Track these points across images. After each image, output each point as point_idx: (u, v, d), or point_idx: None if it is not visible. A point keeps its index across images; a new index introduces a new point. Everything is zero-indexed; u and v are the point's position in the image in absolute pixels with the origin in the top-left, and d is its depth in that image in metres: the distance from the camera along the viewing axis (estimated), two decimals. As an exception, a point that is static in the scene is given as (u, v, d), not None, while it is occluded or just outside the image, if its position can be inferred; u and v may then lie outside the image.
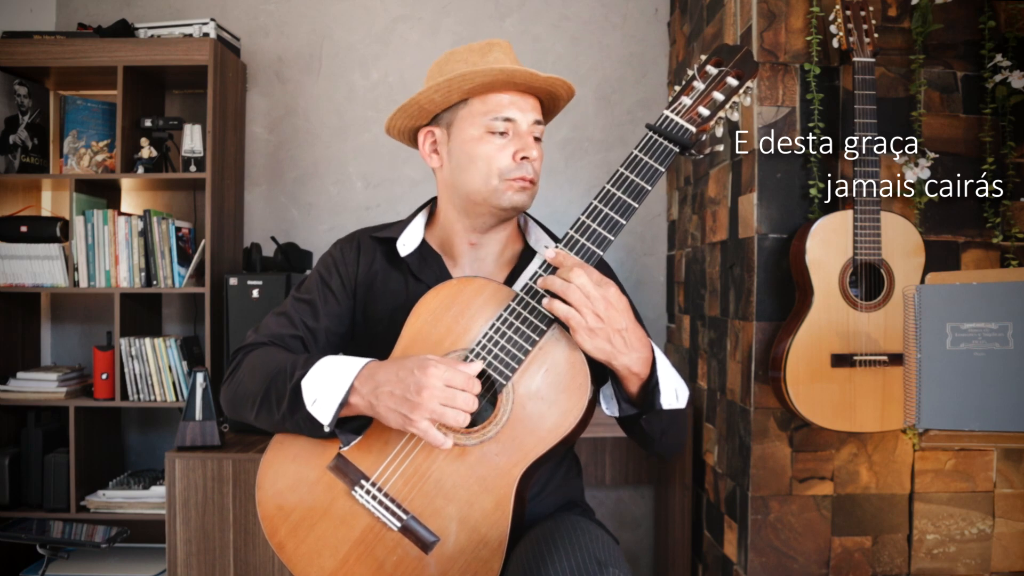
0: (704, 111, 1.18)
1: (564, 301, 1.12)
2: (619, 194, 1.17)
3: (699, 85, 1.18)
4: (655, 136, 1.18)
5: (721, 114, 1.18)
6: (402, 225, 1.38)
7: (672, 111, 1.18)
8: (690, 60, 2.54)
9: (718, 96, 1.18)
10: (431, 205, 1.44)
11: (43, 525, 2.23)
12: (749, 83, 1.18)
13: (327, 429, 1.16)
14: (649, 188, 1.17)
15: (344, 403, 1.15)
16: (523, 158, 1.28)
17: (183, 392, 2.51)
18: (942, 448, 1.96)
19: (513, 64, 1.29)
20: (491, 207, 1.30)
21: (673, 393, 1.21)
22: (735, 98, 1.18)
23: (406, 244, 1.36)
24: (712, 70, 1.19)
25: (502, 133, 1.28)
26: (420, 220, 1.40)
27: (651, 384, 1.18)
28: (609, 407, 1.25)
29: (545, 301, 1.13)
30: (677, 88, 1.21)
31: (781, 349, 1.84)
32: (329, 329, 1.35)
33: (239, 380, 1.27)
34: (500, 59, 1.29)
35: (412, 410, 1.09)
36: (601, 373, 1.21)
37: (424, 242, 1.38)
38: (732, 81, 1.18)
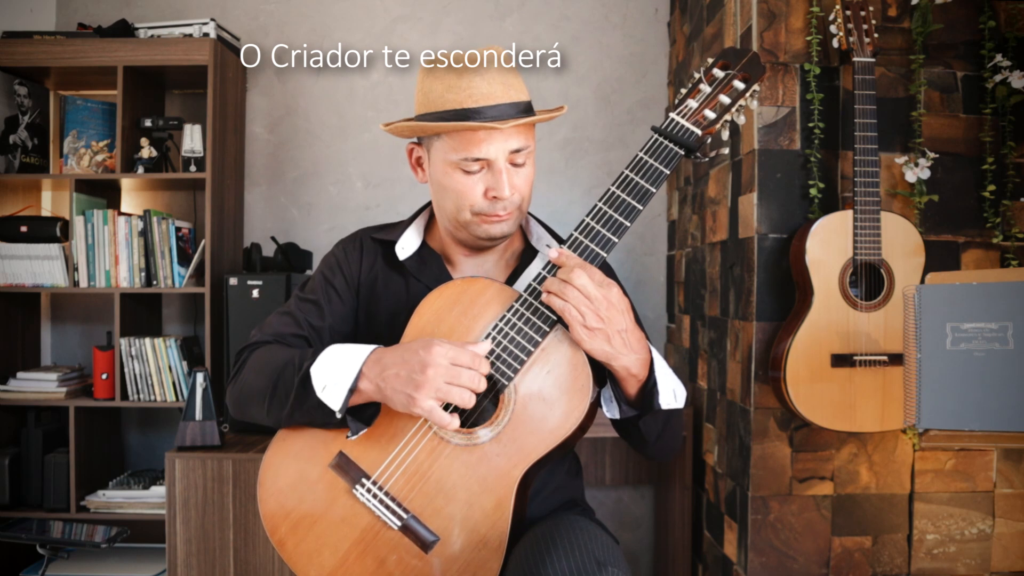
0: (710, 114, 1.18)
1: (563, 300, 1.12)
2: (624, 196, 1.17)
3: (705, 88, 1.18)
4: (660, 138, 1.18)
5: (727, 117, 1.18)
6: (401, 228, 1.38)
7: (678, 114, 1.18)
8: (690, 60, 2.54)
9: (724, 99, 1.18)
10: (432, 207, 1.43)
11: (43, 525, 2.23)
12: (756, 86, 1.18)
13: (338, 415, 1.15)
14: (654, 191, 1.17)
15: (354, 388, 1.14)
16: (494, 197, 1.23)
17: (183, 392, 2.51)
18: (942, 448, 1.96)
19: (491, 85, 1.19)
20: (469, 234, 1.29)
21: (671, 393, 1.22)
22: (741, 101, 1.18)
23: (404, 248, 1.35)
24: (719, 73, 1.19)
25: (475, 170, 1.22)
26: (420, 223, 1.39)
27: (649, 385, 1.19)
28: (610, 409, 1.25)
29: (544, 295, 1.14)
30: (683, 90, 1.20)
31: (781, 349, 1.84)
32: (333, 328, 1.35)
33: (245, 378, 1.27)
34: (477, 86, 1.18)
35: (417, 389, 1.09)
36: (602, 375, 1.21)
37: (424, 244, 1.38)
38: (739, 84, 1.18)
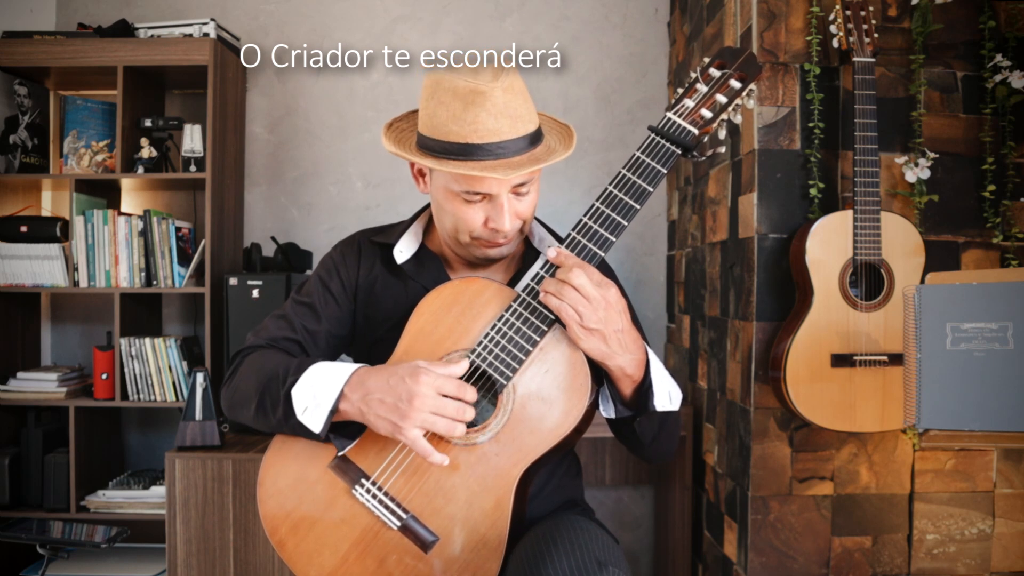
0: (707, 113, 1.18)
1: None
2: (621, 195, 1.17)
3: (702, 87, 1.18)
4: (657, 138, 1.18)
5: (724, 116, 1.18)
6: (399, 230, 1.37)
7: (674, 113, 1.18)
8: (690, 60, 2.54)
9: (721, 98, 1.18)
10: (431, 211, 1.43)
11: (43, 525, 2.23)
12: (752, 85, 1.18)
13: (320, 437, 1.16)
14: (651, 189, 1.17)
15: (334, 411, 1.15)
16: (494, 228, 1.21)
17: (183, 392, 2.51)
18: (942, 448, 1.96)
19: (498, 120, 1.14)
20: (467, 253, 1.29)
21: (666, 395, 1.22)
22: (738, 100, 1.18)
23: (403, 251, 1.35)
24: (715, 72, 1.19)
25: (476, 200, 1.21)
26: (419, 225, 1.39)
27: (644, 386, 1.19)
28: (606, 408, 1.25)
29: (542, 295, 1.13)
30: (679, 90, 1.21)
31: (781, 349, 1.84)
32: (330, 332, 1.34)
33: (236, 384, 1.27)
34: (483, 121, 1.14)
35: (402, 419, 1.09)
36: (601, 374, 1.21)
37: (423, 246, 1.37)
38: (735, 83, 1.18)
